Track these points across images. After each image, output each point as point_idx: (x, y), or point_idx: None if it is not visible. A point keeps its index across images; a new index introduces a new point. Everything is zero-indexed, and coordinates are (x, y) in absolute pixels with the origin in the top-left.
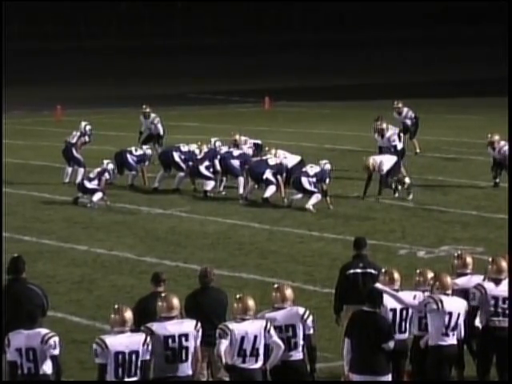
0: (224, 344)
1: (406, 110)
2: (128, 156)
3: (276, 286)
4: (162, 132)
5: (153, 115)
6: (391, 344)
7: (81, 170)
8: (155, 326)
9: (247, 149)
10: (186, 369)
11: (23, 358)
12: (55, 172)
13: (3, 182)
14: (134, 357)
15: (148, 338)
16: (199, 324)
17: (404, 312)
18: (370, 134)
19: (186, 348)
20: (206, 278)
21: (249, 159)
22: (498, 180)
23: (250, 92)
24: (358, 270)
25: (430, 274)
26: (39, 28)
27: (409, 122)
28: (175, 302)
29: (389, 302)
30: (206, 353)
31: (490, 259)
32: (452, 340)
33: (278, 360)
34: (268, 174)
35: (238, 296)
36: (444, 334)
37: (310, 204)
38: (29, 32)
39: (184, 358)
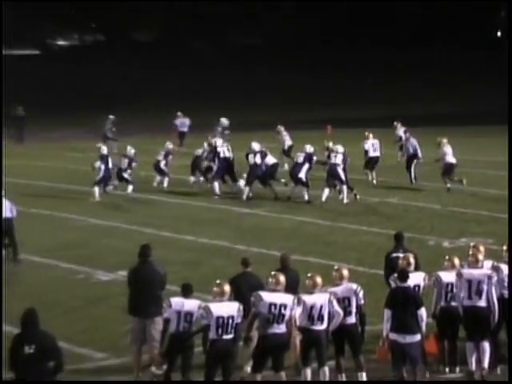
0: (298, 310)
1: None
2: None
3: (336, 267)
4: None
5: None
6: (423, 310)
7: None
8: (264, 294)
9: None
10: (282, 328)
11: (181, 319)
12: None
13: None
14: (230, 320)
15: (241, 307)
16: (296, 298)
17: (416, 288)
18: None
19: (283, 315)
20: (286, 261)
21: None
22: None
23: None
24: (399, 255)
25: (456, 260)
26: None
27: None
28: (282, 279)
29: (411, 280)
30: None
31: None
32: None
33: (338, 324)
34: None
35: (308, 275)
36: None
37: (345, 198)
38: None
39: (281, 321)
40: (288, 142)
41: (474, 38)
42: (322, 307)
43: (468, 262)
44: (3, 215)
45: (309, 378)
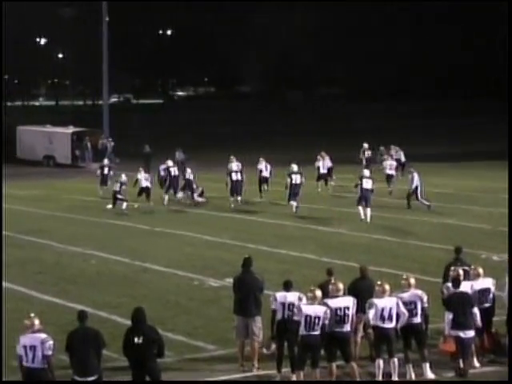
0: (371, 313)
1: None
2: None
3: (404, 276)
4: None
5: None
6: (476, 309)
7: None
8: (329, 301)
9: None
10: (347, 327)
11: (285, 309)
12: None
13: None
14: (317, 320)
15: (328, 310)
16: (355, 300)
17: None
18: None
19: (348, 315)
20: (364, 271)
21: None
22: None
23: None
24: (458, 267)
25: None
26: None
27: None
28: (340, 286)
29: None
30: (360, 318)
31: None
32: None
33: (404, 322)
34: None
35: (378, 282)
36: None
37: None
38: None
39: (346, 321)
40: (328, 164)
41: None
42: (391, 309)
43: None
44: None
45: (381, 367)
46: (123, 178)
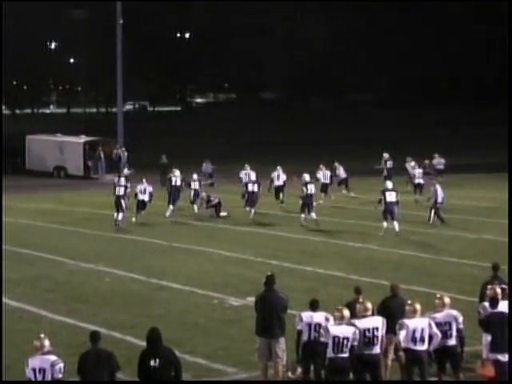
0: (402, 334)
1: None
2: None
3: (438, 296)
4: None
5: None
6: None
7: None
8: (357, 322)
9: None
10: (376, 349)
11: (312, 330)
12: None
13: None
14: (345, 341)
15: (357, 331)
16: (385, 320)
17: None
18: None
19: (377, 336)
20: (395, 289)
21: None
22: None
23: None
24: (495, 285)
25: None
26: None
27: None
28: (369, 305)
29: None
30: (390, 339)
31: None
32: None
33: (437, 344)
34: None
35: (409, 302)
36: None
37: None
38: None
39: (376, 342)
40: (343, 175)
41: None
42: (423, 330)
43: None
44: None
45: None
46: (122, 181)
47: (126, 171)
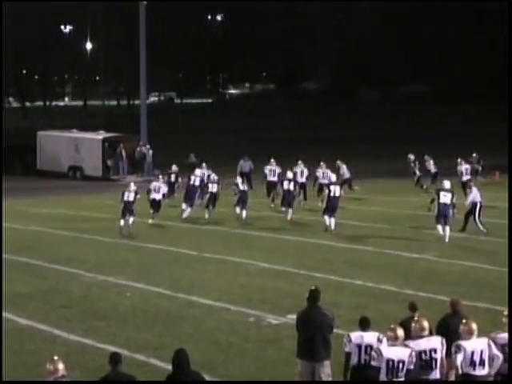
0: (459, 357)
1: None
2: None
3: (505, 313)
4: None
5: None
6: None
7: None
8: (411, 343)
9: None
10: (435, 374)
11: (362, 352)
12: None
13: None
14: (400, 364)
15: (413, 353)
16: (444, 340)
17: None
18: None
19: (435, 359)
20: (456, 306)
21: None
22: None
23: None
24: None
25: None
26: None
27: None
28: (425, 324)
29: None
30: (451, 362)
31: None
32: None
33: (498, 368)
34: None
35: (463, 321)
36: None
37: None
38: None
39: (434, 366)
40: (347, 175)
41: None
42: (482, 352)
43: None
44: None
45: None
46: (132, 186)
47: (174, 168)
